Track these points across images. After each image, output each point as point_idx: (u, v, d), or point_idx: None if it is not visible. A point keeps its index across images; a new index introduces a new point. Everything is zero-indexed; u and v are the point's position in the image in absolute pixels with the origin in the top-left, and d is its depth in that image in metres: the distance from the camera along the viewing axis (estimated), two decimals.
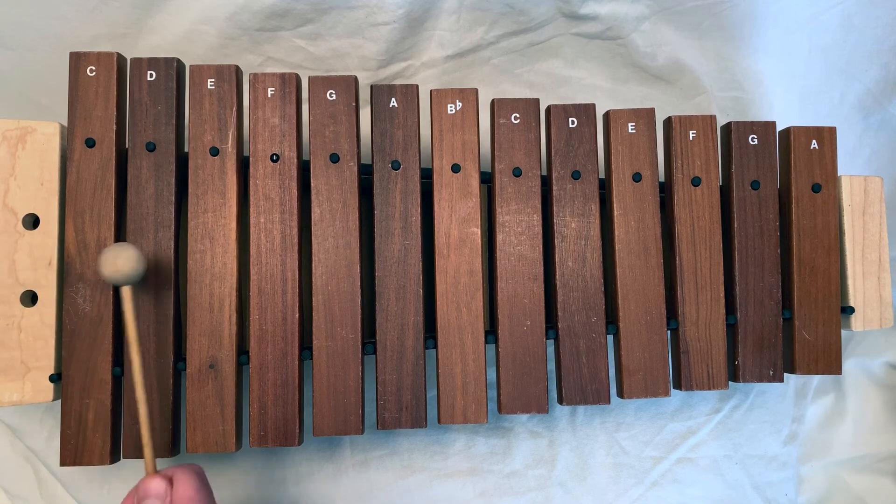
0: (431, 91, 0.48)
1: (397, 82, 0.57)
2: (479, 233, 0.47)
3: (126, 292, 0.41)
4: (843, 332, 0.53)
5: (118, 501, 0.56)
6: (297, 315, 0.46)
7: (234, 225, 0.46)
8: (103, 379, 0.45)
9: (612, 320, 0.49)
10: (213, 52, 0.57)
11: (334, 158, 0.46)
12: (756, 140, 0.50)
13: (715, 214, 0.49)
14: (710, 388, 0.48)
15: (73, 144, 0.45)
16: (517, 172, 0.48)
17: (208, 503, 0.40)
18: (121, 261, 0.40)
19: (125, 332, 0.41)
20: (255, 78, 0.47)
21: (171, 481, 0.40)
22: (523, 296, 0.47)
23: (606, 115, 0.49)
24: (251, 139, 0.46)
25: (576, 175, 0.48)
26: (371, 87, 0.48)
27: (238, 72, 0.47)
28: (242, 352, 0.46)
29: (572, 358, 0.48)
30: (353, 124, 0.47)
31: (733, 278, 0.49)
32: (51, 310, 0.45)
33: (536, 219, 0.48)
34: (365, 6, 0.56)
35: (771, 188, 0.50)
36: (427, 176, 0.48)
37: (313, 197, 0.46)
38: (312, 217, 0.46)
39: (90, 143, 0.45)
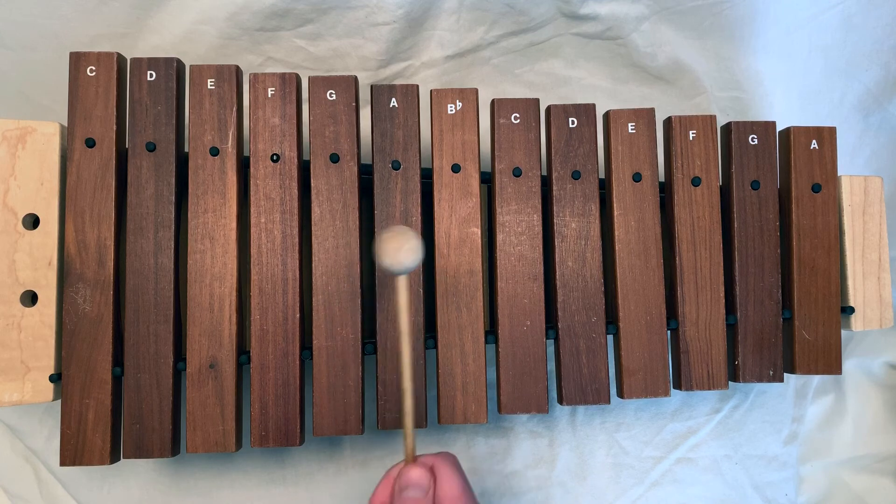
0: (431, 91, 0.48)
1: (397, 82, 0.57)
2: (479, 233, 0.47)
3: (402, 282, 0.39)
4: (843, 332, 0.53)
5: (118, 501, 0.56)
6: (297, 315, 0.46)
7: (234, 225, 0.46)
8: (103, 379, 0.45)
9: (612, 320, 0.49)
10: (213, 52, 0.57)
11: (334, 158, 0.46)
12: (756, 140, 0.50)
13: (715, 214, 0.49)
14: (710, 388, 0.48)
15: (73, 144, 0.45)
16: (517, 172, 0.48)
17: (474, 502, 0.37)
18: (403, 253, 0.37)
19: (398, 322, 0.39)
20: (255, 78, 0.47)
21: (432, 471, 0.37)
22: (523, 296, 0.47)
23: (606, 115, 0.49)
24: (251, 139, 0.46)
25: (576, 175, 0.48)
26: (371, 87, 0.48)
27: (238, 72, 0.47)
28: (242, 352, 0.46)
29: (572, 358, 0.48)
30: (353, 124, 0.47)
31: (733, 278, 0.49)
32: (51, 310, 0.45)
33: (536, 219, 0.48)
34: (365, 6, 0.56)
35: (771, 188, 0.50)
36: (427, 176, 0.48)
37: (313, 197, 0.46)
38: (313, 217, 0.46)
39: (90, 143, 0.45)
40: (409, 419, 0.39)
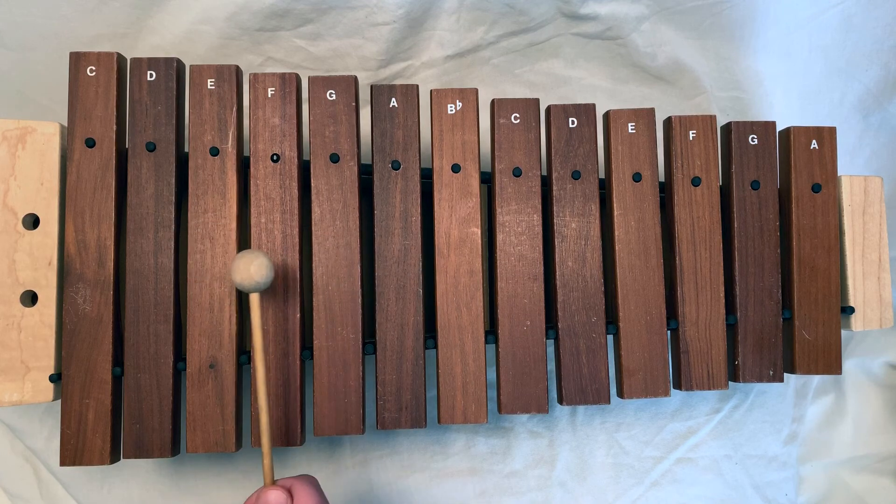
0: (431, 91, 0.48)
1: (397, 82, 0.57)
2: (479, 233, 0.47)
3: (255, 299, 0.40)
4: (843, 332, 0.53)
5: (118, 501, 0.56)
6: (297, 315, 0.46)
7: (234, 225, 0.46)
8: (103, 379, 0.45)
9: (612, 320, 0.49)
10: (213, 52, 0.57)
11: (334, 158, 0.46)
12: (756, 140, 0.50)
13: (715, 214, 0.49)
14: (710, 388, 0.48)
15: (73, 144, 0.45)
16: (517, 172, 0.48)
17: None
18: (254, 268, 0.39)
19: (251, 339, 0.40)
20: (255, 78, 0.47)
21: (290, 493, 0.39)
22: (523, 296, 0.47)
23: (606, 115, 0.49)
24: (251, 139, 0.46)
25: (576, 175, 0.48)
26: (371, 87, 0.48)
27: (238, 72, 0.47)
28: (242, 352, 0.46)
29: (572, 358, 0.48)
30: (353, 124, 0.47)
31: (733, 278, 0.49)
32: (51, 310, 0.45)
33: (536, 219, 0.48)
34: (365, 6, 0.56)
35: (771, 188, 0.50)
36: (427, 176, 0.48)
37: (313, 197, 0.46)
38: (313, 217, 0.46)
39: (90, 143, 0.45)
40: (266, 438, 0.40)
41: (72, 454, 0.44)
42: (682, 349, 0.49)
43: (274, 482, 0.40)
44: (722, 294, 0.49)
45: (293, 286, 0.46)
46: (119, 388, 0.46)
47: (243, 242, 0.46)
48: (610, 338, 0.50)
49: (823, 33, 0.62)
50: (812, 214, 0.50)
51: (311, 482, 0.40)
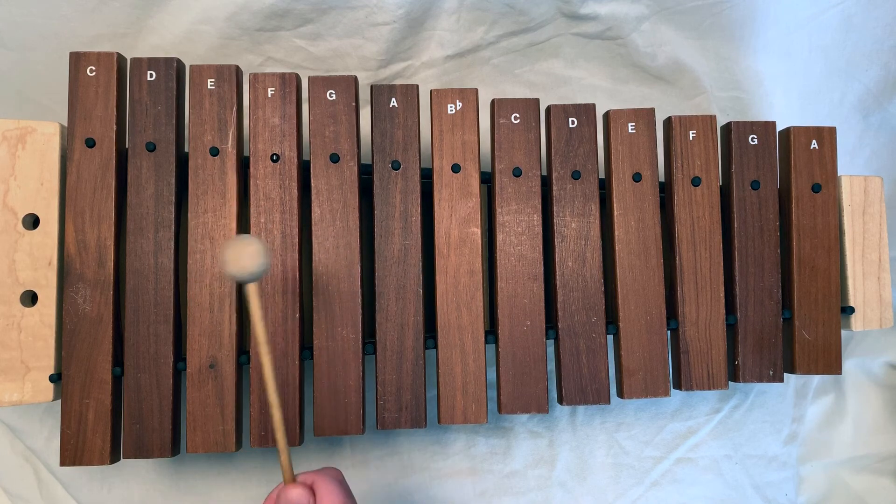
0: (431, 91, 0.48)
1: (397, 82, 0.57)
2: (479, 233, 0.47)
3: (252, 289, 0.36)
4: (843, 332, 0.53)
5: (118, 501, 0.56)
6: (297, 315, 0.46)
7: (234, 225, 0.46)
8: (103, 379, 0.44)
9: (612, 320, 0.49)
10: (213, 52, 0.57)
11: (334, 158, 0.46)
12: (756, 140, 0.50)
13: (715, 214, 0.49)
14: (710, 388, 0.48)
15: (73, 144, 0.45)
16: (517, 172, 0.48)
17: None
18: (245, 258, 0.35)
19: (252, 332, 0.37)
20: (255, 78, 0.47)
21: (312, 490, 0.37)
22: (523, 296, 0.47)
23: (606, 115, 0.49)
24: (251, 139, 0.46)
25: (576, 175, 0.48)
26: (371, 87, 0.48)
27: (238, 72, 0.47)
28: (242, 352, 0.46)
29: (572, 358, 0.48)
30: (353, 124, 0.47)
31: (733, 278, 0.49)
32: (51, 310, 0.45)
33: (536, 219, 0.48)
34: (365, 6, 0.56)
35: (771, 188, 0.50)
36: (427, 176, 0.48)
37: (313, 197, 0.46)
38: (312, 217, 0.46)
39: (90, 143, 0.45)
40: (280, 434, 0.37)
41: (72, 454, 0.44)
42: (682, 349, 0.49)
43: (294, 478, 0.37)
44: (722, 294, 0.49)
45: (293, 286, 0.46)
46: (119, 388, 0.46)
47: None
48: (610, 338, 0.50)
49: (823, 33, 0.62)
50: (812, 214, 0.50)
51: (334, 476, 0.38)
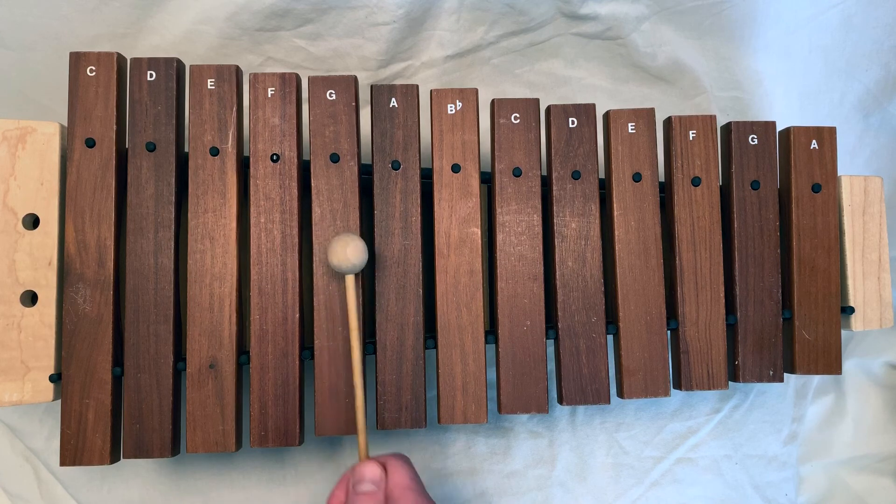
0: (431, 91, 0.48)
1: (397, 82, 0.57)
2: (479, 233, 0.47)
3: (350, 281, 0.42)
4: (843, 332, 0.53)
5: (118, 501, 0.56)
6: (297, 315, 0.46)
7: (234, 225, 0.46)
8: (103, 379, 0.45)
9: (612, 320, 0.49)
10: (213, 52, 0.57)
11: (334, 158, 0.46)
12: (756, 140, 0.50)
13: (715, 214, 0.49)
14: (710, 388, 0.48)
15: (73, 144, 0.45)
16: (517, 172, 0.48)
17: (423, 493, 0.39)
18: (350, 250, 0.41)
19: (347, 320, 0.42)
20: (255, 78, 0.47)
21: (384, 468, 0.39)
22: (523, 296, 0.47)
23: (606, 115, 0.49)
24: (251, 139, 0.46)
25: (576, 175, 0.48)
26: (371, 87, 0.48)
27: (238, 72, 0.47)
28: (242, 352, 0.46)
29: (572, 358, 0.48)
30: (353, 124, 0.47)
31: (733, 278, 0.49)
32: (51, 310, 0.45)
33: (536, 219, 0.48)
34: (365, 6, 0.56)
35: (771, 188, 0.50)
36: (427, 176, 0.48)
37: (314, 197, 0.46)
38: (313, 217, 0.46)
39: (90, 143, 0.45)
40: (360, 416, 0.41)
41: (72, 454, 0.44)
42: (682, 349, 0.49)
43: (369, 458, 0.40)
44: (722, 294, 0.49)
45: (293, 286, 0.46)
46: (119, 388, 0.46)
47: (243, 242, 0.46)
48: (610, 338, 0.50)
49: (823, 33, 0.62)
50: (812, 214, 0.50)
51: (405, 459, 0.41)
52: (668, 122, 0.50)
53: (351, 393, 0.46)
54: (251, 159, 0.46)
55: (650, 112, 0.49)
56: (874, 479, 0.65)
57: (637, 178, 0.48)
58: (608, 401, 0.48)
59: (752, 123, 0.50)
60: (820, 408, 0.65)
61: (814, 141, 0.50)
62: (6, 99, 0.57)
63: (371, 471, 0.39)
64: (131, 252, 0.45)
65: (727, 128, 0.51)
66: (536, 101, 0.48)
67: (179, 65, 0.47)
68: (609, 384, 0.48)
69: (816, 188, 0.50)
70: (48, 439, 0.56)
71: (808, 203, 0.50)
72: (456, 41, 0.59)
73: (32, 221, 0.46)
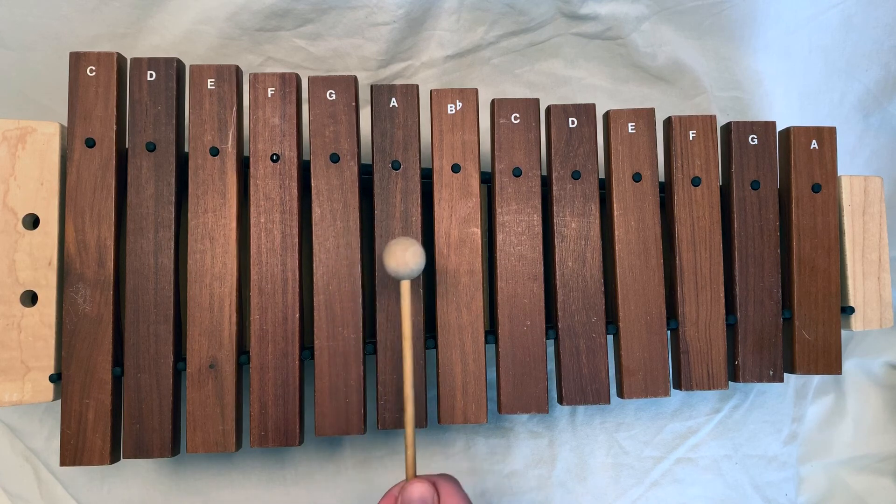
0: (431, 91, 0.48)
1: (397, 82, 0.57)
2: (479, 233, 0.47)
3: (406, 286, 0.40)
4: (843, 332, 0.53)
5: (118, 501, 0.56)
6: (297, 315, 0.46)
7: (234, 225, 0.46)
8: (103, 379, 0.45)
9: (612, 320, 0.49)
10: (213, 52, 0.57)
11: (334, 158, 0.46)
12: (756, 140, 0.50)
13: (715, 214, 0.49)
14: (710, 388, 0.48)
15: (73, 144, 0.45)
16: (517, 172, 0.48)
17: None
18: (409, 255, 0.39)
19: (401, 326, 0.40)
20: (255, 78, 0.47)
21: (437, 491, 0.37)
22: (523, 296, 0.47)
23: (606, 115, 0.49)
24: (251, 139, 0.46)
25: (576, 175, 0.48)
26: (371, 87, 0.48)
27: (238, 72, 0.47)
28: (242, 352, 0.46)
29: (572, 358, 0.48)
30: (353, 124, 0.47)
31: (733, 278, 0.49)
32: (51, 310, 0.45)
33: (536, 219, 0.48)
34: (365, 6, 0.56)
35: (771, 188, 0.50)
36: (427, 176, 0.48)
37: (314, 197, 0.46)
38: (313, 217, 0.46)
39: (90, 143, 0.45)
40: (410, 429, 0.39)
41: (72, 454, 0.44)
42: (682, 349, 0.49)
43: (417, 477, 0.38)
44: (722, 294, 0.49)
45: (293, 286, 0.46)
46: (119, 388, 0.46)
47: (243, 242, 0.46)
48: (610, 338, 0.50)
49: (823, 33, 0.62)
50: (812, 214, 0.50)
51: (455, 482, 0.38)
52: (668, 122, 0.50)
53: (351, 393, 0.46)
54: (251, 159, 0.46)
55: (650, 112, 0.49)
56: (874, 479, 0.65)
57: (637, 178, 0.48)
58: (608, 401, 0.48)
59: (752, 123, 0.50)
60: (820, 408, 0.65)
61: (814, 141, 0.50)
62: (6, 99, 0.57)
63: (421, 490, 0.36)
64: (131, 252, 0.45)
65: (727, 128, 0.51)
66: (536, 101, 0.48)
67: (179, 65, 0.47)
68: (609, 384, 0.48)
69: (816, 188, 0.50)
70: (48, 439, 0.56)
71: (808, 203, 0.50)
72: (456, 41, 0.59)
73: (32, 221, 0.46)
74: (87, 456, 0.44)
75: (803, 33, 0.62)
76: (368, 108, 0.48)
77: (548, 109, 0.49)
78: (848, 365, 0.65)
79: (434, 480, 0.38)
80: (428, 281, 0.48)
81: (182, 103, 0.48)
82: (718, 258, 0.49)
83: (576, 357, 0.48)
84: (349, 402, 0.46)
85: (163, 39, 0.56)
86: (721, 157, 0.51)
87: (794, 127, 0.50)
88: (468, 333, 0.47)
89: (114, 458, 0.45)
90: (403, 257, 0.39)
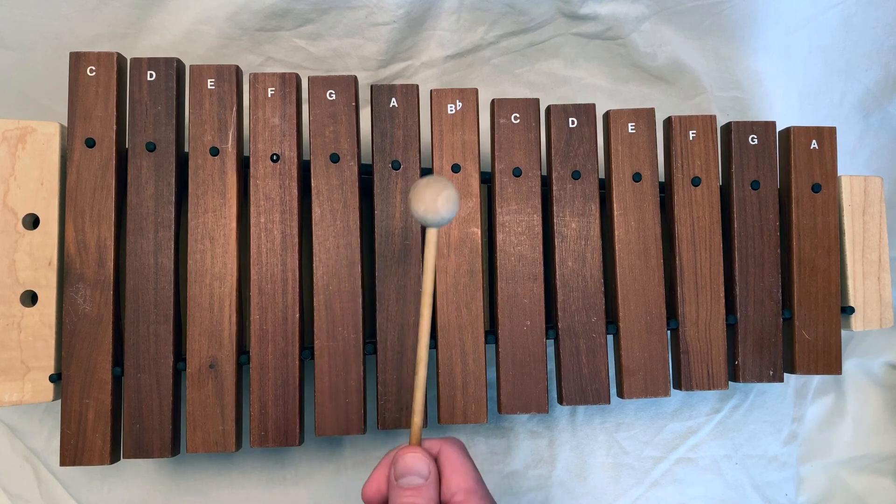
0: (431, 91, 0.48)
1: (397, 82, 0.57)
2: (479, 233, 0.47)
3: (432, 235, 0.35)
4: (843, 332, 0.53)
5: (118, 501, 0.56)
6: (297, 315, 0.46)
7: (234, 225, 0.46)
8: (103, 379, 0.45)
9: (612, 320, 0.49)
10: (213, 52, 0.57)
11: (334, 158, 0.46)
12: (756, 140, 0.50)
13: (715, 214, 0.49)
14: (710, 388, 0.48)
15: (73, 144, 0.45)
16: (517, 172, 0.48)
17: (488, 498, 0.32)
18: (441, 201, 0.33)
19: (423, 283, 0.35)
20: (255, 78, 0.47)
21: (435, 459, 0.33)
22: (523, 296, 0.47)
23: (606, 115, 0.49)
24: (251, 139, 0.46)
25: (576, 175, 0.48)
26: (371, 87, 0.48)
27: (238, 72, 0.47)
28: (242, 352, 0.46)
29: (572, 358, 0.48)
30: (353, 124, 0.47)
31: (733, 278, 0.49)
32: (51, 310, 0.45)
33: (536, 219, 0.48)
34: (365, 6, 0.56)
35: (771, 188, 0.50)
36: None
37: (314, 197, 0.46)
38: (313, 217, 0.46)
39: (90, 143, 0.45)
40: (420, 394, 0.35)
41: (72, 454, 0.44)
42: (682, 349, 0.49)
43: (420, 443, 0.35)
44: (722, 294, 0.49)
45: (293, 286, 0.46)
46: (119, 388, 0.46)
47: (243, 242, 0.46)
48: (610, 338, 0.50)
49: (823, 33, 0.62)
50: (812, 214, 0.50)
51: (462, 448, 0.35)
52: (668, 122, 0.50)
53: (351, 393, 0.46)
54: (251, 159, 0.46)
55: (650, 112, 0.49)
56: (874, 479, 0.65)
57: (637, 178, 0.48)
58: (608, 401, 0.48)
59: (752, 123, 0.50)
60: (820, 408, 0.65)
61: (814, 141, 0.50)
62: (6, 99, 0.57)
63: (417, 462, 0.33)
64: (131, 252, 0.45)
65: (727, 128, 0.51)
66: (536, 101, 0.48)
67: (179, 65, 0.47)
68: (609, 384, 0.48)
69: (816, 188, 0.50)
70: (48, 439, 0.56)
71: (808, 203, 0.50)
72: (456, 41, 0.59)
73: (32, 221, 0.46)
74: (87, 456, 0.44)
75: (803, 33, 0.62)
76: (368, 108, 0.48)
77: (548, 109, 0.49)
78: (848, 365, 0.65)
79: (438, 449, 0.35)
80: None
81: (182, 103, 0.48)
82: (718, 258, 0.49)
83: (576, 357, 0.48)
84: (349, 402, 0.46)
85: (163, 39, 0.56)
86: (721, 157, 0.51)
87: (794, 127, 0.50)
88: (468, 333, 0.47)
89: (114, 458, 0.45)
90: (434, 203, 0.33)
